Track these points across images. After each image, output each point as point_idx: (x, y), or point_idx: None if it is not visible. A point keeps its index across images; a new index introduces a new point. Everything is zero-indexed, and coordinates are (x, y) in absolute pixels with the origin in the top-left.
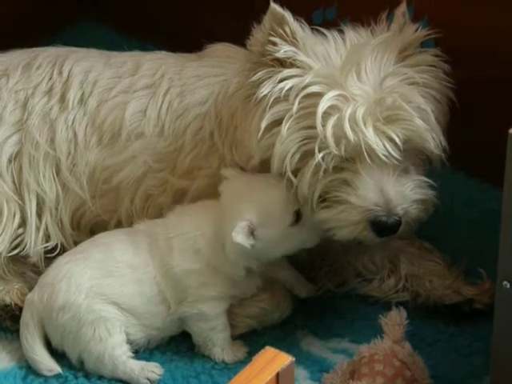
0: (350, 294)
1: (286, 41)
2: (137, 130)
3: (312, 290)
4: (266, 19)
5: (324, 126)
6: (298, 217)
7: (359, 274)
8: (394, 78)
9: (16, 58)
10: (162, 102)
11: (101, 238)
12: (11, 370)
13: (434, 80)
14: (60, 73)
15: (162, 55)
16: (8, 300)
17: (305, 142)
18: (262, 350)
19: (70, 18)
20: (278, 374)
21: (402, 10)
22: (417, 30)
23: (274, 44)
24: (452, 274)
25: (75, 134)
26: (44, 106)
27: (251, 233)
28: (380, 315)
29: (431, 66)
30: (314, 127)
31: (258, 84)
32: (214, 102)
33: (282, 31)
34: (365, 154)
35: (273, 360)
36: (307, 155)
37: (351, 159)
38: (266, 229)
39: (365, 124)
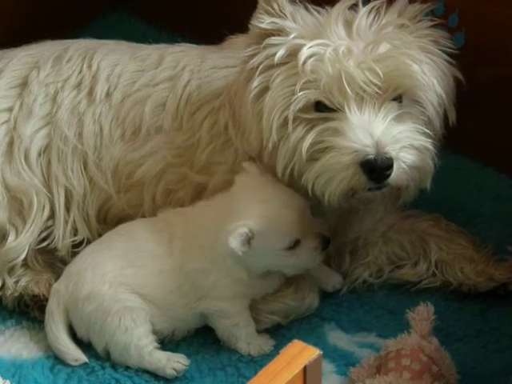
0: (377, 288)
1: (272, 15)
2: (156, 124)
3: (339, 283)
4: (259, 1)
5: (304, 64)
6: (295, 245)
7: (392, 261)
8: (390, 36)
9: (47, 50)
10: (182, 94)
11: (124, 227)
12: (39, 360)
13: (435, 46)
14: (89, 66)
15: (185, 47)
16: (36, 290)
17: (292, 98)
18: (290, 344)
19: (101, 10)
20: (305, 368)
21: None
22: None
23: (261, 20)
24: (482, 257)
25: (101, 129)
26: (73, 100)
27: (248, 241)
28: (407, 310)
29: (432, 35)
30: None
31: (249, 60)
32: (228, 94)
33: (270, 8)
34: (346, 86)
35: (300, 353)
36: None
37: (339, 108)
38: (261, 242)
39: (346, 58)
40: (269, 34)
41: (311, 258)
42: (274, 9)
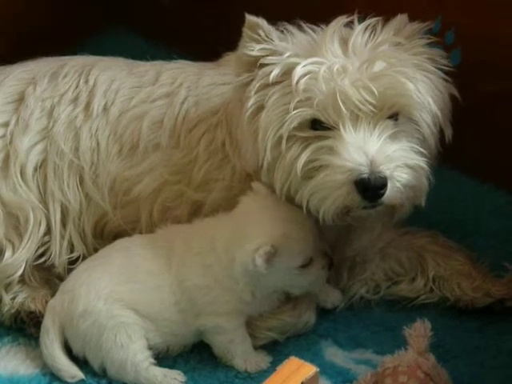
0: (374, 305)
1: (259, 42)
2: (154, 141)
3: (339, 300)
4: (244, 30)
5: (297, 83)
6: (308, 263)
7: (389, 278)
8: (385, 54)
9: (44, 66)
10: (179, 111)
11: (120, 243)
12: (35, 377)
13: (431, 63)
14: (86, 81)
15: (182, 64)
16: (33, 307)
17: (286, 116)
18: (287, 360)
19: (99, 26)
20: None
21: (403, 17)
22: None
23: (250, 48)
24: (479, 273)
25: (98, 144)
26: (69, 114)
27: (270, 259)
28: (404, 326)
29: (428, 53)
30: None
31: (244, 88)
32: (225, 111)
33: (256, 35)
34: (341, 105)
35: (297, 370)
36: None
37: (334, 126)
38: (279, 259)
39: (340, 77)
40: (259, 59)
41: (319, 276)
42: (260, 35)
